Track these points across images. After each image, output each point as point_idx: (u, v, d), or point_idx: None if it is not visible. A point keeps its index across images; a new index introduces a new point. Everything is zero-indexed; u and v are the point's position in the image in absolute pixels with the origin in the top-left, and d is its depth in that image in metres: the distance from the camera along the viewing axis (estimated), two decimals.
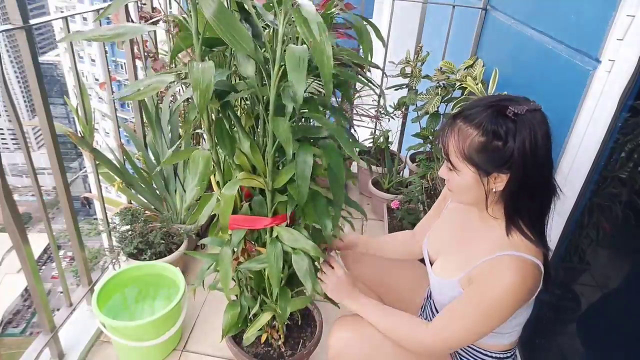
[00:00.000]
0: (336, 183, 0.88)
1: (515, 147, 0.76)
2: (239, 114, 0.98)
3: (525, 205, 0.84)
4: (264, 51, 0.80)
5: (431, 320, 1.00)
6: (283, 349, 1.25)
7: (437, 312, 1.05)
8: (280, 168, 0.98)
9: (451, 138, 0.83)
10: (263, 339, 1.24)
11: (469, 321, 0.84)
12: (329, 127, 0.83)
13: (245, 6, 0.81)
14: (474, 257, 0.88)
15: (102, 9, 1.47)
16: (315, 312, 1.36)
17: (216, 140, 0.90)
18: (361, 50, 0.88)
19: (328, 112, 1.00)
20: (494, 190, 0.83)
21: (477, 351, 0.98)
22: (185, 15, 0.80)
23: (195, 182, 0.83)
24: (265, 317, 1.15)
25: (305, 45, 0.71)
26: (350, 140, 0.92)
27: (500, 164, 0.79)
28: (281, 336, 1.24)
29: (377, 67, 0.96)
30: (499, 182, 0.82)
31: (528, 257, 0.81)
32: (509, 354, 0.99)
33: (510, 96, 0.84)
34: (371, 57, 0.88)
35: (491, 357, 0.98)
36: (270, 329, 1.23)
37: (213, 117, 0.89)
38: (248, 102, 0.98)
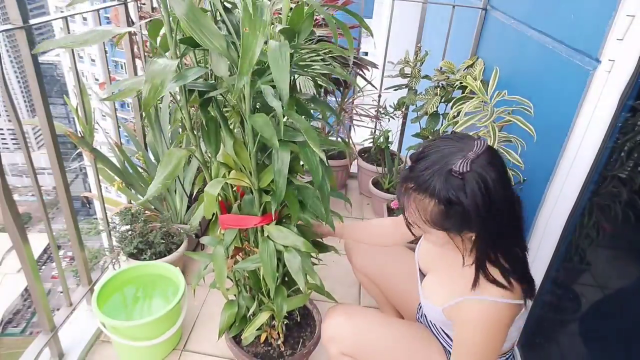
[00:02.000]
0: (316, 181, 0.89)
1: (470, 205, 0.74)
2: (227, 113, 0.99)
3: (497, 251, 0.83)
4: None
5: (426, 320, 1.06)
6: (283, 348, 1.25)
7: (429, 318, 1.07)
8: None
9: (410, 210, 0.82)
10: (263, 338, 1.24)
11: (476, 357, 0.87)
12: (302, 125, 0.81)
13: (216, 6, 0.81)
14: (452, 294, 0.91)
15: (102, 8, 1.48)
16: (315, 311, 1.36)
17: (202, 139, 0.90)
18: (362, 47, 0.89)
19: (330, 112, 1.00)
20: (469, 241, 0.85)
21: None
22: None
23: (160, 178, 0.83)
24: (263, 316, 1.15)
25: (276, 42, 0.72)
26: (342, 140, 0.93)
27: (465, 223, 0.78)
28: (280, 335, 1.24)
29: (375, 65, 0.98)
30: (471, 235, 0.83)
31: (500, 301, 0.82)
32: (507, 356, 0.99)
33: (453, 142, 0.80)
34: (352, 51, 0.92)
35: None
36: (269, 328, 1.24)
37: (200, 117, 0.89)
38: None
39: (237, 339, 1.27)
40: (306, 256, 0.99)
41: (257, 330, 1.20)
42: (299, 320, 1.34)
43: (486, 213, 0.75)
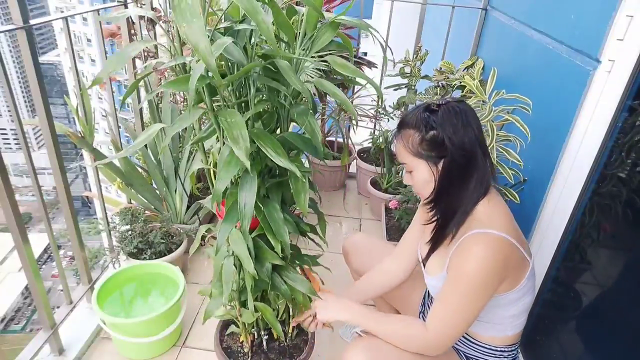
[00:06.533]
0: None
1: (441, 128, 0.86)
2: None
3: (462, 180, 0.90)
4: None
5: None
6: (248, 358, 1.22)
7: None
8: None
9: (399, 145, 0.93)
10: (241, 338, 1.24)
11: (458, 306, 0.87)
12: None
13: None
14: (450, 246, 0.93)
15: (102, 8, 1.48)
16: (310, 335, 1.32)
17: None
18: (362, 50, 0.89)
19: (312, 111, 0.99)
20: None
21: (478, 345, 1.00)
22: None
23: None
24: (246, 317, 1.13)
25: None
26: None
27: (438, 147, 0.88)
28: (247, 344, 1.22)
29: (374, 65, 0.98)
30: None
31: (492, 232, 0.86)
32: (511, 349, 0.99)
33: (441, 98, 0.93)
34: (351, 54, 0.91)
35: (491, 349, 0.99)
36: (245, 332, 1.21)
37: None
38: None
39: (226, 331, 1.28)
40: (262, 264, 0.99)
41: (239, 329, 1.20)
42: (287, 344, 1.28)
43: (455, 137, 0.86)
